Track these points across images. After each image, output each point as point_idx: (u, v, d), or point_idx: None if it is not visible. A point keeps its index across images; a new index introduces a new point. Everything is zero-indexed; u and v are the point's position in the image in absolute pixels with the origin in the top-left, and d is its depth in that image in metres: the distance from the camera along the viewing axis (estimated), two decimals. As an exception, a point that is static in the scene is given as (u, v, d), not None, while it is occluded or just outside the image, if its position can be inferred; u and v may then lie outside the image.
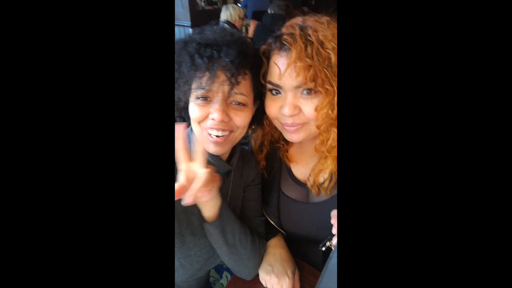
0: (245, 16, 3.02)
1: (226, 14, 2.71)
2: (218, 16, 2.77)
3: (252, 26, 2.90)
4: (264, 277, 0.65)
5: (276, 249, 0.70)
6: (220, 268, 0.92)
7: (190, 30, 3.33)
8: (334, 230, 0.48)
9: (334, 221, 0.48)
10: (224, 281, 0.97)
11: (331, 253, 0.46)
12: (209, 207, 0.59)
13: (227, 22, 2.71)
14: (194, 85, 0.56)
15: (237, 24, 2.77)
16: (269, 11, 2.63)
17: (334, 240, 0.48)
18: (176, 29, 3.49)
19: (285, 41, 0.57)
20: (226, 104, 0.57)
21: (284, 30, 0.61)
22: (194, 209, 0.63)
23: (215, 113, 0.55)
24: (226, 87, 0.55)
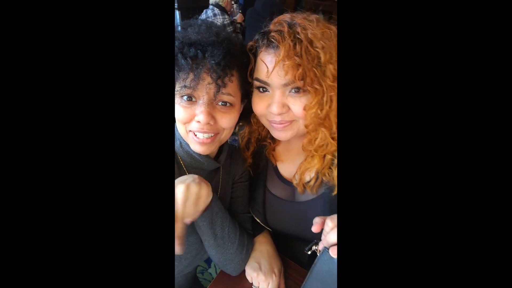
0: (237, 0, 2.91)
1: None
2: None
3: (239, 18, 2.80)
4: (251, 273, 0.66)
5: (263, 246, 0.71)
6: (209, 258, 0.93)
7: (177, 12, 3.16)
8: (324, 237, 0.48)
9: (315, 228, 0.49)
10: (212, 270, 0.99)
11: (316, 259, 0.47)
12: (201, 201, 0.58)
13: (217, 5, 2.60)
14: (177, 86, 0.54)
15: (228, 7, 2.66)
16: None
17: (320, 245, 0.49)
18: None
19: (273, 38, 0.55)
20: (212, 106, 0.55)
21: (271, 26, 0.58)
22: None
23: (200, 115, 0.53)
24: (211, 90, 0.53)
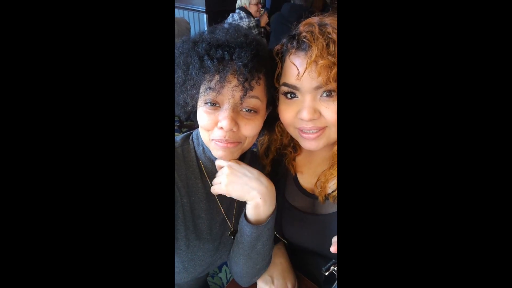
0: (263, 4, 2.92)
1: None
2: (235, 0, 2.67)
3: (264, 17, 2.79)
4: (263, 287, 0.64)
5: (276, 259, 0.68)
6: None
7: (204, 16, 3.23)
8: None
9: (333, 249, 0.45)
10: (223, 275, 0.98)
11: (334, 283, 0.43)
12: (260, 210, 0.57)
13: (243, 8, 2.62)
14: (202, 88, 0.53)
15: (253, 10, 2.67)
16: (291, 0, 2.52)
17: None
18: (190, 14, 3.39)
19: (305, 38, 0.52)
20: (236, 112, 0.53)
21: (301, 28, 0.56)
22: (201, 213, 0.62)
23: (223, 121, 0.52)
24: (238, 93, 0.51)
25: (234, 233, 0.66)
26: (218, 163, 0.59)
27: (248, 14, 2.64)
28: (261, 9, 2.79)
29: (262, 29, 2.77)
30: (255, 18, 2.71)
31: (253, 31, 2.59)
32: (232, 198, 0.66)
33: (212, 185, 0.61)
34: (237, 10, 2.65)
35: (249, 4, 2.62)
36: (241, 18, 2.61)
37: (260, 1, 2.73)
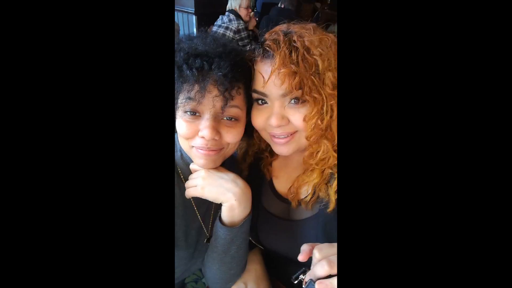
0: (254, 7, 2.93)
1: (236, 2, 2.59)
2: (224, 3, 2.67)
3: (252, 20, 2.81)
4: None
5: (251, 265, 0.67)
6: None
7: (194, 17, 3.21)
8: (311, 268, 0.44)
9: (301, 257, 0.44)
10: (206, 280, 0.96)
11: (302, 292, 0.43)
12: (235, 213, 0.56)
13: (233, 11, 2.61)
14: (181, 97, 0.52)
15: (243, 14, 2.67)
16: (279, 5, 2.53)
17: (307, 277, 0.44)
18: (179, 15, 3.37)
19: (268, 47, 0.53)
20: (217, 120, 0.53)
21: (267, 36, 0.57)
22: (177, 219, 0.61)
23: (204, 130, 0.51)
24: (218, 103, 0.51)
25: (210, 239, 0.65)
26: (192, 166, 0.58)
27: (238, 16, 2.64)
28: (251, 12, 2.80)
29: (251, 32, 2.78)
30: (244, 21, 2.71)
31: (242, 33, 2.59)
32: (209, 204, 0.66)
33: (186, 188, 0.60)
34: (226, 13, 2.65)
35: (239, 7, 2.62)
36: (230, 20, 2.61)
37: (250, 5, 2.73)
